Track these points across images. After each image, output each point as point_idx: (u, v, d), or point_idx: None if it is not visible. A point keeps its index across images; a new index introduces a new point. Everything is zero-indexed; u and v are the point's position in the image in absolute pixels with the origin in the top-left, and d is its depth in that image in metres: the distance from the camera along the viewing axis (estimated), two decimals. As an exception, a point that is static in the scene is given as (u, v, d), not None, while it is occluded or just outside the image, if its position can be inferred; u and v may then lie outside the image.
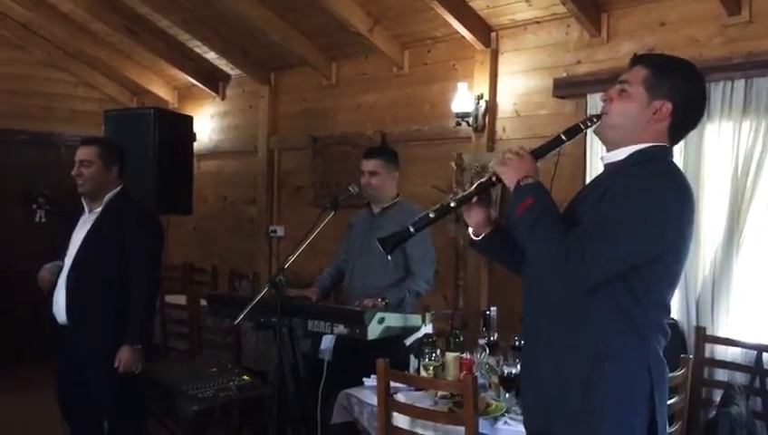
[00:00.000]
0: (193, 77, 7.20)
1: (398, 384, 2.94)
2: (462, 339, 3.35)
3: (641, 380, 1.85)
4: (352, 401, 3.15)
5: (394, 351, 3.23)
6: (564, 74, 4.63)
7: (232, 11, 5.74)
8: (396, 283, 3.65)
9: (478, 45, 5.05)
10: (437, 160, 5.31)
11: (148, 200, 5.36)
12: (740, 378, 3.73)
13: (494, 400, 2.91)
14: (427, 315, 3.61)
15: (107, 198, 3.44)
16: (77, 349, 3.34)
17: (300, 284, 4.32)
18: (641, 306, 1.85)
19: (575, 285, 1.84)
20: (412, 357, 3.31)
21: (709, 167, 3.93)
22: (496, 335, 3.56)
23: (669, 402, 2.01)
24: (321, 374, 3.47)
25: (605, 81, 3.99)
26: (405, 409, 2.82)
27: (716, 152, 3.91)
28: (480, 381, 3.00)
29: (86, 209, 3.49)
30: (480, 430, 2.60)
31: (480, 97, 5.02)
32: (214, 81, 7.30)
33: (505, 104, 5.03)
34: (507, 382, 2.88)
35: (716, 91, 3.87)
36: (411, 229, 2.08)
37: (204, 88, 7.30)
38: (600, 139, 2.05)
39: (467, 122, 5.03)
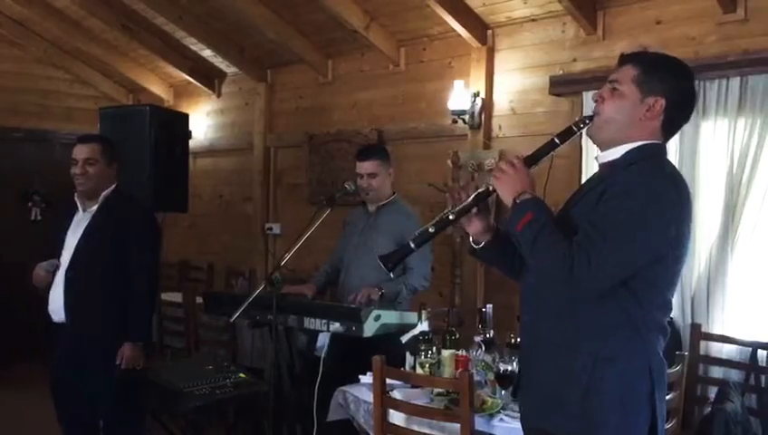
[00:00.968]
0: (189, 74, 7.19)
1: (394, 381, 2.94)
2: (458, 336, 3.35)
3: (643, 381, 1.84)
4: (348, 399, 3.15)
5: (390, 348, 3.23)
6: (560, 72, 4.63)
7: (228, 8, 5.73)
8: (392, 279, 3.65)
9: (474, 43, 5.05)
10: (434, 158, 5.32)
11: (144, 198, 5.34)
12: (735, 375, 3.74)
13: (490, 397, 2.92)
14: (424, 313, 3.60)
15: (103, 195, 3.43)
16: (74, 347, 3.33)
17: (296, 281, 4.32)
18: (643, 308, 1.85)
19: (583, 292, 1.83)
20: (408, 354, 3.32)
21: (704, 164, 3.94)
22: (492, 333, 3.55)
23: (665, 399, 1.99)
24: (317, 372, 3.47)
25: (601, 78, 3.95)
26: (401, 406, 2.82)
27: (712, 150, 3.92)
28: (476, 378, 3.01)
29: (80, 208, 3.45)
30: (476, 427, 2.61)
31: (476, 95, 5.02)
32: (210, 78, 7.29)
33: (501, 102, 5.03)
34: (503, 379, 2.88)
35: (712, 89, 3.88)
36: (412, 245, 2.09)
37: (200, 85, 7.29)
38: (594, 140, 2.03)
39: (463, 120, 5.03)
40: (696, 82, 3.88)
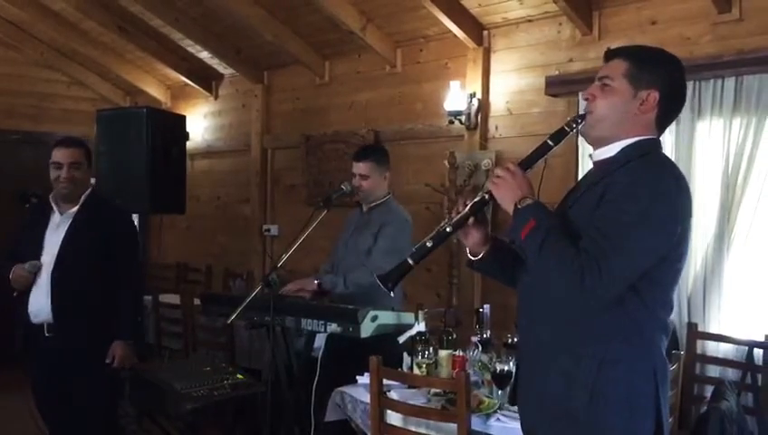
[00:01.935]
0: (186, 76, 7.20)
1: (391, 382, 2.95)
2: (455, 337, 3.36)
3: (647, 383, 1.82)
4: (346, 399, 3.16)
5: (387, 348, 3.24)
6: (556, 72, 4.65)
7: (224, 10, 5.74)
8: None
9: (471, 44, 5.06)
10: (430, 159, 5.33)
11: (141, 200, 5.36)
12: (731, 374, 3.75)
13: (487, 397, 2.92)
14: (421, 313, 3.61)
15: (83, 197, 3.43)
16: (59, 349, 3.32)
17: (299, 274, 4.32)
18: (647, 308, 1.82)
19: (595, 300, 1.77)
20: (405, 355, 3.33)
21: (700, 164, 3.95)
22: (489, 333, 3.56)
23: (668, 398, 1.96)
24: (314, 372, 3.47)
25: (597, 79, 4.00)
26: (398, 406, 2.83)
27: (707, 150, 3.93)
28: (473, 378, 3.02)
29: (56, 210, 3.43)
30: (473, 427, 2.62)
31: (473, 95, 5.04)
32: (207, 80, 7.30)
33: (498, 102, 5.04)
34: (500, 379, 2.89)
35: (707, 89, 3.90)
36: (410, 261, 2.00)
37: (197, 87, 7.30)
38: (587, 139, 2.00)
39: (460, 121, 5.04)
40: (692, 82, 3.95)
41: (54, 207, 3.44)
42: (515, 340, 2.99)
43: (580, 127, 1.94)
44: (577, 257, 1.73)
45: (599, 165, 1.96)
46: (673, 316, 3.98)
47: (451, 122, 5.07)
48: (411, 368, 3.21)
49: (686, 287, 3.93)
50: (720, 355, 3.83)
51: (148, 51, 6.91)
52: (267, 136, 6.80)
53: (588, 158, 4.35)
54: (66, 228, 3.38)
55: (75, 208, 3.41)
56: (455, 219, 2.01)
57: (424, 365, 3.15)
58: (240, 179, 7.03)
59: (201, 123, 7.46)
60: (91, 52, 7.28)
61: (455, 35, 5.06)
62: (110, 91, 8.12)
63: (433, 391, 3.00)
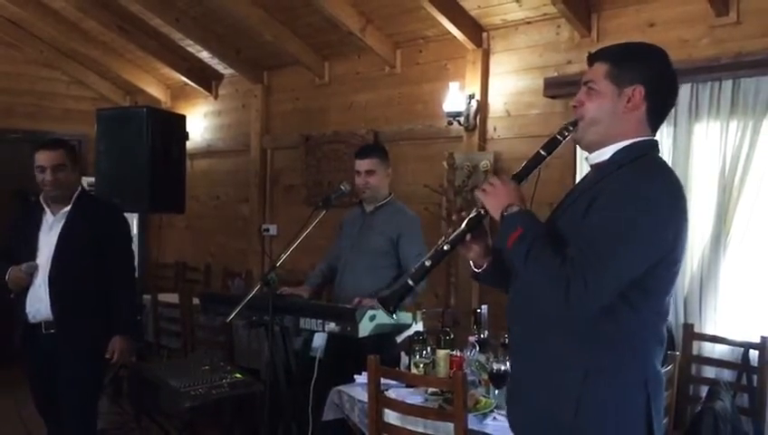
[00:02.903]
0: (186, 76, 7.21)
1: (389, 381, 2.96)
2: (452, 336, 3.37)
3: (637, 395, 1.77)
4: (344, 398, 3.18)
5: (385, 348, 3.26)
6: (555, 74, 4.66)
7: (225, 10, 5.75)
8: (388, 282, 3.66)
9: (470, 45, 5.08)
10: (429, 159, 5.35)
11: (141, 199, 5.38)
12: (727, 375, 3.77)
13: (484, 396, 2.94)
14: (419, 313, 3.63)
15: (75, 197, 3.45)
16: (57, 346, 3.34)
17: (292, 282, 4.34)
18: (639, 317, 1.77)
19: (581, 311, 1.73)
20: (403, 354, 3.35)
21: (697, 166, 3.97)
22: (487, 333, 3.58)
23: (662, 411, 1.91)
24: (312, 371, 3.49)
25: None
26: (395, 405, 2.84)
27: (704, 152, 3.95)
28: (470, 377, 3.04)
29: (47, 210, 3.45)
30: (469, 426, 2.63)
31: (471, 96, 5.06)
32: (207, 80, 7.32)
33: (497, 104, 5.06)
34: (497, 379, 2.91)
35: (704, 92, 3.92)
36: (410, 282, 2.00)
37: (197, 87, 7.31)
38: (581, 145, 1.98)
39: (459, 122, 5.06)
40: (689, 85, 3.96)
41: (46, 208, 3.46)
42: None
43: (572, 134, 1.92)
44: (562, 267, 1.70)
45: (594, 169, 1.95)
46: (669, 317, 4.02)
47: (450, 123, 5.09)
48: (409, 367, 3.23)
49: (682, 288, 3.95)
50: (716, 356, 3.85)
51: (148, 50, 6.92)
52: (267, 136, 6.82)
53: (585, 159, 4.37)
54: (60, 229, 3.40)
55: (67, 209, 3.43)
56: (452, 237, 1.99)
57: (421, 365, 3.18)
58: (239, 179, 7.04)
59: (201, 123, 7.47)
60: (91, 51, 7.29)
61: (454, 37, 5.08)
62: (109, 90, 8.14)
63: (430, 390, 3.02)
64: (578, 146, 2.05)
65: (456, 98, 5.02)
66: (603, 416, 1.76)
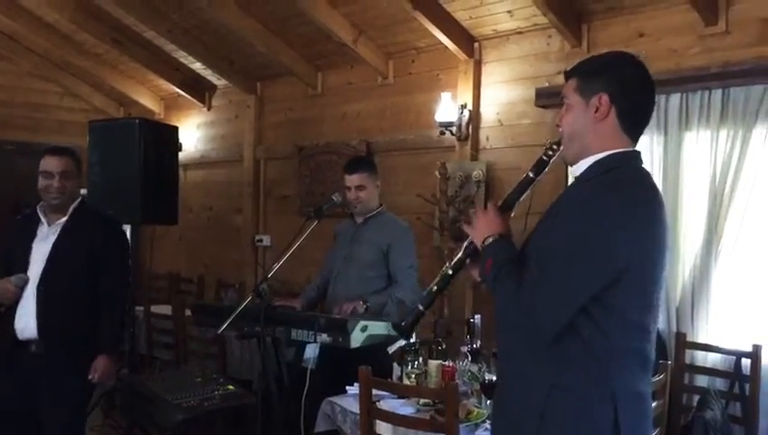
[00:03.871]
0: (179, 87, 7.22)
1: (380, 392, 2.95)
2: (444, 347, 3.37)
3: (602, 409, 1.72)
4: (336, 409, 3.16)
5: (377, 359, 3.25)
6: (546, 84, 4.68)
7: (217, 21, 5.77)
8: (378, 292, 3.67)
9: (461, 55, 5.10)
10: (421, 169, 5.36)
11: (134, 210, 5.37)
12: (719, 383, 3.78)
13: (476, 407, 2.93)
14: (411, 323, 3.62)
15: (72, 208, 3.33)
16: (43, 366, 3.19)
17: (286, 293, 4.34)
18: (603, 334, 1.72)
19: (541, 334, 1.74)
20: (395, 365, 3.34)
21: (688, 175, 3.99)
22: (479, 343, 3.58)
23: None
24: (304, 383, 3.47)
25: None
26: (387, 416, 2.83)
27: (694, 161, 3.97)
28: (462, 388, 3.03)
29: (44, 221, 3.31)
30: (461, 437, 2.63)
31: (464, 106, 5.07)
32: (200, 91, 7.33)
33: (488, 113, 5.08)
34: (489, 389, 2.90)
35: (694, 101, 3.94)
36: (421, 308, 2.12)
37: (190, 98, 7.32)
38: (567, 163, 1.98)
39: (451, 132, 5.07)
40: (679, 94, 3.98)
41: (42, 218, 3.31)
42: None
43: (557, 154, 1.93)
44: (518, 293, 1.76)
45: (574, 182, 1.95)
46: (661, 326, 4.03)
47: (442, 133, 5.10)
48: (401, 378, 3.22)
49: (674, 297, 3.96)
50: (708, 365, 3.85)
51: (142, 62, 6.93)
52: (260, 147, 6.82)
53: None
54: (54, 239, 3.27)
55: (64, 219, 3.29)
56: (453, 262, 2.08)
57: (413, 375, 3.16)
58: (233, 190, 7.04)
59: (194, 134, 7.48)
60: (84, 63, 7.31)
61: (446, 47, 5.10)
62: (103, 102, 8.15)
63: (422, 401, 3.01)
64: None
65: (448, 108, 5.04)
66: (566, 431, 1.75)
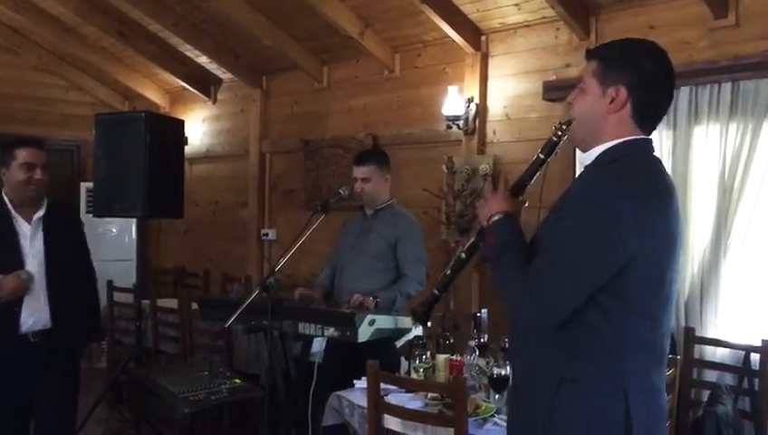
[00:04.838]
0: (185, 81, 7.21)
1: (388, 386, 2.95)
2: (452, 341, 3.36)
3: (613, 404, 1.69)
4: (343, 404, 3.16)
5: (385, 353, 3.24)
6: (554, 77, 4.66)
7: (223, 15, 5.75)
8: (386, 285, 3.66)
9: (468, 49, 5.08)
10: (428, 163, 5.34)
11: (140, 204, 5.36)
12: (728, 378, 3.76)
13: (484, 401, 2.93)
14: (418, 318, 3.62)
15: (46, 200, 3.36)
16: (44, 357, 3.23)
17: (294, 286, 4.32)
18: (612, 323, 1.69)
19: (541, 322, 1.73)
20: (403, 359, 3.33)
21: (697, 169, 3.97)
22: (487, 337, 3.57)
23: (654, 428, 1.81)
24: (312, 377, 3.47)
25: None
26: (395, 411, 2.83)
27: (704, 154, 3.94)
28: (470, 382, 3.03)
29: (17, 217, 3.26)
30: (469, 432, 2.61)
31: (470, 100, 5.05)
32: (205, 84, 7.31)
33: (496, 107, 5.05)
34: (497, 384, 2.90)
35: (704, 94, 3.92)
36: (436, 292, 2.12)
37: (195, 92, 7.31)
38: (575, 144, 1.96)
39: (458, 125, 5.05)
40: (688, 87, 3.95)
41: (13, 212, 3.27)
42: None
43: (566, 134, 1.89)
44: (522, 281, 1.72)
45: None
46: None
47: (449, 127, 5.09)
48: (409, 372, 3.21)
49: (682, 291, 3.94)
50: (717, 360, 3.83)
51: (147, 55, 6.92)
52: (265, 141, 6.81)
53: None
54: (43, 235, 3.29)
55: (42, 212, 3.31)
56: (466, 246, 2.06)
57: (421, 369, 3.16)
58: (238, 184, 7.04)
59: (199, 128, 7.47)
60: (89, 56, 7.30)
61: (453, 41, 5.07)
62: (108, 95, 8.14)
63: (430, 395, 3.00)
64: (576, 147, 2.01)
65: (455, 102, 5.02)
66: (576, 424, 1.72)
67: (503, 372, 2.86)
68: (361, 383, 3.13)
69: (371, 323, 3.25)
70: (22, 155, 3.25)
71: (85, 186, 7.27)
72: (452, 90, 5.04)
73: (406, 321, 3.50)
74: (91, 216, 5.88)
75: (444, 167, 5.08)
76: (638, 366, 1.73)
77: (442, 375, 3.14)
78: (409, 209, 4.07)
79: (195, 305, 4.69)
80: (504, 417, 2.73)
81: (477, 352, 3.35)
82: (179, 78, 7.19)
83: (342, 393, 3.19)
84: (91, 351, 3.52)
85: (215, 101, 7.39)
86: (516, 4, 4.69)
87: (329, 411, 3.21)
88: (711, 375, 3.85)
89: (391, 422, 2.87)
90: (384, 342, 3.36)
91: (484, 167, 4.94)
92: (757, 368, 3.60)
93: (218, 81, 7.28)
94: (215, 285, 6.82)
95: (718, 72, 3.84)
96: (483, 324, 3.69)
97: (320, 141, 6.19)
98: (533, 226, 1.92)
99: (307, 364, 3.63)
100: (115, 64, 7.45)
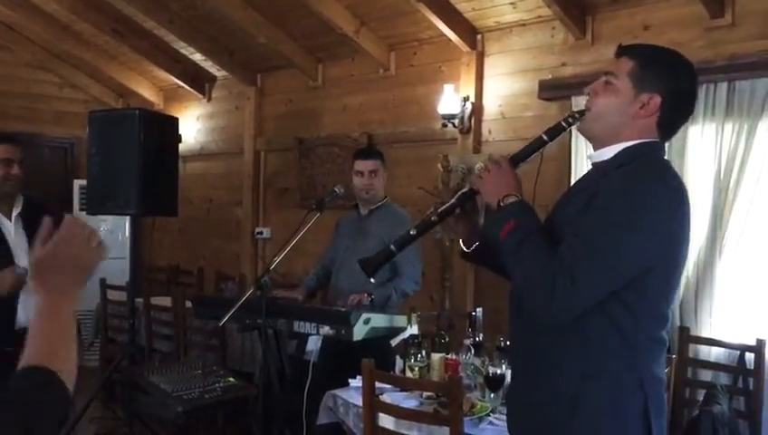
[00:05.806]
0: (179, 78, 7.18)
1: (383, 385, 2.94)
2: (447, 340, 3.36)
3: (633, 398, 1.71)
4: (338, 402, 3.15)
5: (380, 351, 3.24)
6: (549, 76, 4.65)
7: (218, 12, 5.73)
8: (382, 283, 3.66)
9: (464, 47, 5.07)
10: (423, 162, 5.33)
11: (134, 202, 5.33)
12: (723, 378, 3.76)
13: (480, 400, 2.92)
14: (413, 316, 3.61)
15: (22, 196, 3.35)
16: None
17: (287, 285, 4.32)
18: (634, 319, 1.71)
19: (566, 310, 1.67)
20: (398, 358, 3.32)
21: (692, 168, 3.96)
22: (482, 336, 3.57)
23: (664, 417, 1.84)
24: (306, 375, 3.47)
25: (590, 83, 4.01)
26: (390, 409, 2.82)
27: (699, 154, 3.94)
28: (465, 381, 3.02)
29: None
30: (465, 431, 2.61)
31: (466, 99, 5.04)
32: (200, 82, 7.29)
33: (491, 106, 5.05)
34: (492, 383, 2.89)
35: (699, 94, 3.89)
36: (393, 248, 1.99)
37: (190, 89, 7.28)
38: (585, 136, 1.93)
39: (453, 124, 5.04)
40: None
41: None
42: (508, 343, 2.99)
43: (577, 123, 1.86)
44: (551, 263, 1.66)
45: (595, 168, 1.89)
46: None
47: (444, 126, 5.08)
48: (404, 371, 3.20)
49: (678, 291, 3.93)
50: (712, 359, 3.83)
51: (141, 53, 6.89)
52: (260, 139, 6.79)
53: (581, 160, 4.35)
54: (25, 230, 3.27)
55: (19, 208, 3.31)
56: (441, 208, 1.97)
57: (416, 368, 3.15)
58: (233, 182, 7.01)
59: (194, 125, 7.44)
60: (83, 53, 7.26)
61: (448, 39, 5.06)
62: (102, 92, 8.10)
63: (425, 394, 2.99)
64: (583, 137, 1.99)
65: (450, 100, 5.01)
66: (599, 418, 1.72)
67: (498, 371, 2.85)
68: (356, 382, 3.12)
69: (366, 321, 3.25)
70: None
71: (79, 183, 7.23)
72: (447, 88, 5.02)
73: (401, 319, 3.50)
74: (84, 213, 5.84)
75: (439, 165, 5.06)
76: (651, 359, 1.77)
77: (437, 374, 3.14)
78: (405, 208, 4.07)
79: (189, 304, 4.68)
80: (500, 416, 2.73)
81: (473, 351, 3.34)
82: (174, 75, 7.16)
83: (337, 392, 3.18)
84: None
85: (209, 99, 7.36)
86: (512, 3, 4.68)
87: (323, 410, 3.20)
88: (706, 375, 3.84)
89: (386, 421, 2.86)
90: (379, 340, 3.36)
91: (480, 165, 4.92)
92: (752, 367, 3.60)
93: (213, 78, 7.26)
94: (209, 284, 6.80)
95: (714, 71, 3.84)
96: (478, 323, 3.68)
97: (315, 140, 6.17)
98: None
99: (302, 363, 3.62)
100: (109, 61, 7.42)
